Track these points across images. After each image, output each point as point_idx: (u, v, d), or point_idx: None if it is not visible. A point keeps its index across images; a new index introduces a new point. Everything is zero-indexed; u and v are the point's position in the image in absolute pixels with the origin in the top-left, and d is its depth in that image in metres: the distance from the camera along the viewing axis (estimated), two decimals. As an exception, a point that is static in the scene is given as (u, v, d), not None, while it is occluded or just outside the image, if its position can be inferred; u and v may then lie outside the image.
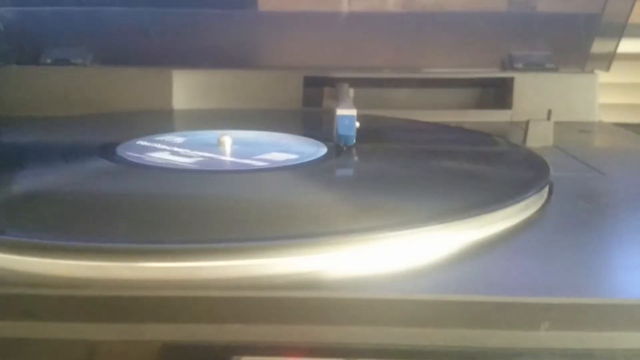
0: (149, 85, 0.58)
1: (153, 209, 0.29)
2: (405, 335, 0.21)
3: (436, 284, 0.22)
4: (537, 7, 0.63)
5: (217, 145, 0.40)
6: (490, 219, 0.27)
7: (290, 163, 0.36)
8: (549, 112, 0.47)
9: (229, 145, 0.39)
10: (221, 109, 0.57)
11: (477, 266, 0.24)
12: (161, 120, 0.54)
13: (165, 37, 0.62)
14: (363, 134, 0.48)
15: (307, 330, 0.21)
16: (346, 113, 0.41)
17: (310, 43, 0.64)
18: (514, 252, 0.26)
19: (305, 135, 0.44)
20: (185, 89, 0.58)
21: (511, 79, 0.59)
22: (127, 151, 0.38)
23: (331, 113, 0.42)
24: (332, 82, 0.58)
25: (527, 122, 0.47)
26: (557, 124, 0.56)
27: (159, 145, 0.40)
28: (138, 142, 0.41)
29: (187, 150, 0.39)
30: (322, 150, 0.40)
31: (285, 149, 0.40)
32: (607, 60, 0.59)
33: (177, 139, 0.42)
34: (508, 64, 0.62)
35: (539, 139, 0.46)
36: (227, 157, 0.38)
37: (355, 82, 0.59)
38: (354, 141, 0.40)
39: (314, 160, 0.37)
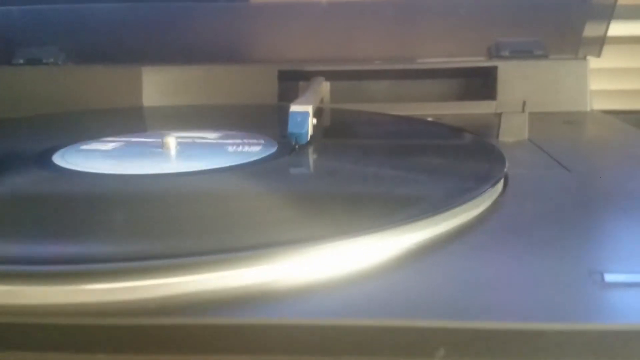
0: (119, 82, 0.57)
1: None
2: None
3: (323, 306, 0.20)
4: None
5: (158, 147, 0.38)
6: (408, 229, 0.25)
7: (227, 164, 0.34)
8: (524, 104, 0.44)
9: (173, 147, 0.38)
10: (188, 106, 0.55)
11: (379, 285, 0.21)
12: (113, 119, 0.52)
13: (138, 32, 0.61)
14: (324, 130, 0.46)
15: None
16: (299, 109, 0.39)
17: (288, 35, 0.61)
18: (427, 268, 0.23)
19: (264, 132, 0.42)
20: (156, 85, 0.57)
21: (495, 68, 0.56)
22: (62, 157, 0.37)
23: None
24: (308, 76, 0.56)
25: (500, 115, 0.44)
26: (543, 114, 0.53)
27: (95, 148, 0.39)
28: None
29: (121, 154, 0.37)
30: (271, 149, 0.38)
31: (229, 149, 0.38)
32: (598, 44, 0.55)
33: (114, 142, 0.40)
34: (495, 51, 0.59)
35: (513, 132, 0.43)
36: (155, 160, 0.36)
37: (333, 75, 0.57)
38: (307, 139, 0.38)
39: (253, 161, 0.35)
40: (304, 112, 0.38)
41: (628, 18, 0.59)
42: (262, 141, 0.40)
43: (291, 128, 0.38)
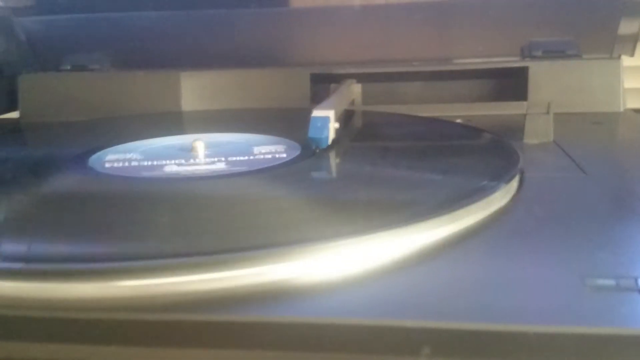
0: (159, 87, 0.59)
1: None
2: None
3: (318, 307, 0.21)
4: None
5: (187, 151, 0.40)
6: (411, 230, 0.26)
7: (248, 168, 0.36)
8: (549, 105, 0.44)
9: (201, 151, 0.40)
10: (222, 110, 0.57)
11: (370, 288, 0.23)
12: (150, 123, 0.54)
13: (177, 39, 0.63)
14: (350, 132, 0.47)
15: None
16: (320, 114, 0.40)
17: (322, 39, 0.63)
18: (423, 271, 0.24)
19: (292, 136, 0.43)
20: (193, 90, 0.59)
21: (526, 69, 0.55)
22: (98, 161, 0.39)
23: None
24: (340, 79, 0.57)
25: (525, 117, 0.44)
26: (574, 115, 0.53)
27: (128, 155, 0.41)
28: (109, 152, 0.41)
29: (150, 157, 0.39)
30: (294, 154, 0.39)
31: (254, 153, 0.39)
32: (632, 43, 0.54)
33: (144, 147, 0.43)
34: (527, 51, 0.58)
35: (538, 134, 0.44)
36: (180, 164, 0.38)
37: (365, 77, 0.58)
38: (328, 143, 0.39)
39: (272, 166, 0.36)
40: (324, 117, 0.39)
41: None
42: (286, 146, 0.41)
43: (311, 133, 0.39)
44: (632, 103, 0.58)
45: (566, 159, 0.39)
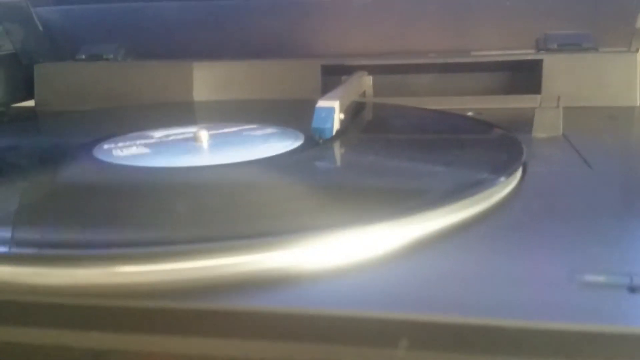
0: (171, 78, 0.59)
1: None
2: (258, 349, 0.20)
3: (300, 297, 0.21)
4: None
5: (191, 141, 0.40)
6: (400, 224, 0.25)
7: (249, 158, 0.36)
8: (558, 99, 0.43)
9: (205, 141, 0.40)
10: (232, 100, 0.57)
11: (367, 278, 0.22)
12: (160, 113, 0.55)
13: (192, 29, 0.63)
14: (357, 124, 0.47)
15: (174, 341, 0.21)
16: (325, 105, 0.40)
17: (334, 30, 0.62)
18: (415, 264, 0.24)
19: (300, 127, 0.43)
20: (205, 81, 0.59)
21: (540, 61, 0.55)
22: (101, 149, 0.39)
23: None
24: (351, 70, 0.57)
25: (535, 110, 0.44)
26: (589, 109, 0.52)
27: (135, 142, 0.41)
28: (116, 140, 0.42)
29: (155, 147, 0.39)
30: (297, 144, 0.39)
31: (258, 143, 0.39)
32: (650, 37, 0.53)
33: (155, 134, 0.43)
34: (542, 44, 0.58)
35: (547, 128, 0.43)
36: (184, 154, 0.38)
37: (377, 69, 0.58)
38: (332, 134, 0.39)
39: (273, 156, 0.36)
40: (328, 108, 0.39)
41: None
42: (291, 136, 0.41)
43: (315, 123, 0.39)
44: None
45: (573, 154, 0.38)
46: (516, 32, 0.60)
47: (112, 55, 0.63)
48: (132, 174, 0.34)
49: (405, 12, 0.60)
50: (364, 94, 0.56)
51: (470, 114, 0.52)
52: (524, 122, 0.46)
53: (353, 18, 0.61)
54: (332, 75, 0.59)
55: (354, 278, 0.22)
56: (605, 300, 0.20)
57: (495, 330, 0.19)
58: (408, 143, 0.41)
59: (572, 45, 0.56)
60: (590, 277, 0.22)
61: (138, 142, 0.41)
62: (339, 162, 0.38)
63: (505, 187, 0.31)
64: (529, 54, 0.57)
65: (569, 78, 0.54)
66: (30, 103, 0.63)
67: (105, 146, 0.40)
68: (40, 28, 0.64)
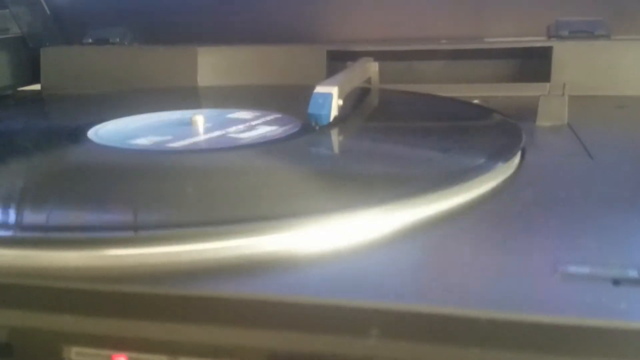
0: (176, 62, 0.59)
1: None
2: (231, 336, 0.20)
3: (278, 283, 0.21)
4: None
5: (187, 125, 0.40)
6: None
7: (244, 143, 0.35)
8: (564, 86, 0.42)
9: (201, 125, 0.39)
10: (235, 86, 0.57)
11: (345, 265, 0.22)
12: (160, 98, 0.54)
13: (198, 14, 0.63)
14: (358, 110, 0.46)
15: (139, 326, 0.21)
16: (322, 91, 0.39)
17: (340, 15, 0.62)
18: (398, 252, 0.23)
19: (295, 113, 0.42)
20: (209, 66, 0.59)
21: (550, 49, 0.53)
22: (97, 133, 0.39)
23: None
24: (357, 56, 0.56)
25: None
26: (598, 98, 0.51)
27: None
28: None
29: (151, 131, 0.39)
30: (293, 130, 0.38)
31: (254, 128, 0.39)
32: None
33: (154, 118, 0.43)
34: (553, 31, 0.56)
35: (551, 116, 0.42)
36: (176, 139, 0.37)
37: (383, 55, 0.57)
38: (328, 120, 0.38)
39: (267, 141, 0.36)
40: (326, 94, 0.39)
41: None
42: (289, 122, 0.40)
43: (311, 109, 0.38)
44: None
45: (576, 143, 0.37)
46: (529, 19, 0.59)
47: (118, 40, 0.63)
48: (127, 157, 0.34)
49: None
50: (369, 81, 0.55)
51: (476, 101, 0.51)
52: (532, 110, 0.45)
53: (362, 2, 0.60)
54: (338, 61, 0.58)
55: (334, 265, 0.22)
56: (588, 293, 0.19)
57: (469, 322, 0.18)
58: (406, 129, 0.40)
59: (583, 32, 0.55)
60: (574, 269, 0.21)
61: (137, 125, 0.41)
62: (332, 149, 0.37)
63: (499, 175, 0.30)
64: (538, 41, 0.55)
65: (579, 66, 0.53)
66: (37, 86, 0.63)
67: (103, 129, 0.39)
68: (48, 11, 0.64)
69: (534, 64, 0.57)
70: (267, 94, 0.54)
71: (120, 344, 0.21)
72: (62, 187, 0.30)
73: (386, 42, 0.59)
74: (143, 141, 0.36)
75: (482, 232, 0.24)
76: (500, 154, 0.31)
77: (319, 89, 0.39)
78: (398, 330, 0.19)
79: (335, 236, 0.23)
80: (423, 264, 0.22)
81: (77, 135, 0.38)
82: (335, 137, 0.38)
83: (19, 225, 0.24)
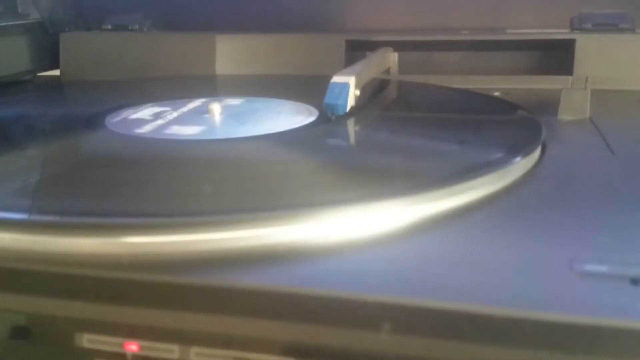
0: (195, 50, 0.59)
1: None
2: (243, 326, 0.20)
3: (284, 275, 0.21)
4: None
5: (204, 114, 0.40)
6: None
7: (260, 133, 0.35)
8: (586, 80, 0.42)
9: (217, 114, 0.39)
10: (252, 75, 0.56)
11: (360, 258, 0.22)
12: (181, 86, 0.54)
13: (217, 1, 0.63)
14: (376, 101, 0.46)
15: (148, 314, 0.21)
16: (339, 81, 0.39)
17: (360, 4, 0.61)
18: (412, 246, 0.23)
19: (313, 103, 0.42)
20: (227, 54, 0.59)
21: (572, 41, 0.52)
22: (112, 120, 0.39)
23: None
24: (376, 46, 0.56)
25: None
26: (622, 92, 0.50)
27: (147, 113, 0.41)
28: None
29: (166, 119, 0.39)
30: (308, 120, 0.38)
31: (271, 118, 0.38)
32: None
33: (170, 107, 0.42)
34: (577, 24, 0.55)
35: (573, 110, 0.41)
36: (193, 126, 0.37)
37: (402, 46, 0.56)
38: (345, 110, 0.38)
39: (284, 131, 0.35)
40: (343, 84, 0.38)
41: None
42: (306, 112, 0.40)
43: (327, 99, 0.38)
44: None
45: (597, 138, 0.36)
46: (552, 11, 0.58)
47: (137, 26, 0.63)
48: (143, 145, 0.34)
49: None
50: (387, 71, 0.55)
51: (497, 94, 0.50)
52: (554, 104, 0.45)
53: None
54: (358, 51, 0.57)
55: (347, 258, 0.22)
56: (604, 292, 0.19)
57: (482, 319, 0.18)
58: (423, 121, 0.40)
59: (607, 25, 0.54)
60: (592, 267, 0.20)
61: (153, 113, 0.41)
62: (347, 140, 0.37)
63: (518, 170, 0.30)
64: (561, 33, 0.54)
65: (602, 59, 0.52)
66: (57, 72, 0.63)
67: (119, 117, 0.39)
68: (68, -3, 0.64)
69: (556, 57, 0.56)
70: (284, 82, 0.54)
71: (132, 332, 0.21)
72: (75, 174, 0.30)
73: (406, 32, 0.58)
74: (162, 129, 0.36)
75: (498, 228, 0.24)
76: (520, 149, 0.31)
77: (336, 79, 0.39)
78: (409, 325, 0.19)
79: (350, 228, 0.23)
80: (436, 259, 0.22)
81: (93, 122, 0.38)
82: (351, 127, 0.38)
83: (31, 210, 0.24)
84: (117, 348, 0.21)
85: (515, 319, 0.18)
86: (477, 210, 0.26)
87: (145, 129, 0.36)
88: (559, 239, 0.23)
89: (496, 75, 0.55)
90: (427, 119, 0.40)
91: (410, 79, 0.54)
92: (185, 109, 0.42)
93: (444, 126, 0.38)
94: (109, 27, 0.64)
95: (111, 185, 0.28)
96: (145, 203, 0.26)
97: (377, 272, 0.20)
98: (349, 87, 0.38)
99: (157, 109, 0.42)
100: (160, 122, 0.38)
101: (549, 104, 0.43)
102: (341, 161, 0.31)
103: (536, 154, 0.32)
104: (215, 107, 0.39)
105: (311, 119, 0.38)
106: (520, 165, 0.30)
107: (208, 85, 0.55)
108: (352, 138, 0.37)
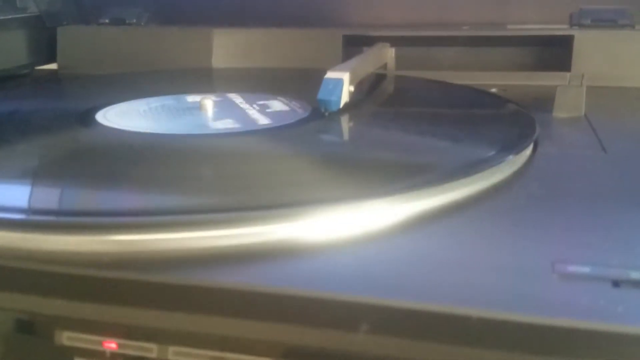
0: (191, 44, 0.59)
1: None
2: (224, 326, 0.20)
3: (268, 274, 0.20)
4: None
5: (196, 109, 0.39)
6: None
7: (251, 128, 0.35)
8: (582, 77, 0.41)
9: (210, 109, 0.39)
10: (248, 68, 0.56)
11: (340, 258, 0.21)
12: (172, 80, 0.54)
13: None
14: (371, 96, 0.45)
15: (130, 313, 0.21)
16: (333, 76, 0.39)
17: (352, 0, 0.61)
18: (396, 245, 0.22)
19: (307, 98, 0.42)
20: (224, 48, 0.58)
21: (571, 37, 0.52)
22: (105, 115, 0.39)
23: None
24: (373, 41, 0.55)
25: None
26: (620, 89, 0.49)
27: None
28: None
29: (159, 114, 0.39)
30: (301, 115, 0.38)
31: (264, 114, 0.38)
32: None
33: (163, 101, 0.42)
34: (576, 19, 0.55)
35: (568, 107, 0.41)
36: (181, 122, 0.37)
37: (400, 41, 0.56)
38: (338, 107, 0.38)
39: (274, 127, 0.35)
40: (337, 80, 0.38)
41: None
42: (299, 107, 0.40)
43: (321, 95, 0.38)
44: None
45: (591, 136, 0.36)
46: (552, 6, 0.57)
47: (134, 20, 0.63)
48: (132, 140, 0.34)
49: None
50: (384, 67, 0.55)
51: (493, 90, 0.50)
52: (550, 100, 0.44)
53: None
54: (355, 47, 0.57)
55: (326, 258, 0.21)
56: (585, 294, 0.19)
57: (459, 320, 0.18)
58: (416, 117, 0.40)
59: (606, 21, 0.53)
60: (574, 268, 0.20)
61: (146, 107, 0.40)
62: (340, 136, 0.37)
63: (508, 168, 0.29)
64: (559, 29, 0.54)
65: (601, 56, 0.51)
66: (54, 66, 0.63)
67: (111, 111, 0.39)
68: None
69: (555, 53, 0.55)
70: (279, 77, 0.53)
71: (111, 331, 0.21)
72: (61, 171, 0.30)
73: (404, 27, 0.58)
74: (154, 124, 0.36)
75: (482, 228, 0.24)
76: (511, 146, 0.31)
77: (330, 75, 0.39)
78: (389, 326, 0.18)
79: (330, 228, 0.23)
80: (418, 260, 0.21)
81: (85, 117, 0.38)
82: (344, 123, 0.38)
83: (14, 209, 0.24)
84: (96, 346, 0.21)
85: (492, 320, 0.18)
86: (464, 209, 0.26)
87: (135, 124, 0.36)
88: (544, 239, 0.23)
89: (494, 72, 0.54)
90: (420, 116, 0.40)
91: (408, 75, 0.54)
92: (177, 103, 0.42)
93: (436, 123, 0.38)
94: (107, 21, 0.64)
95: (94, 182, 0.28)
96: (126, 201, 0.25)
97: (356, 272, 0.20)
98: (342, 83, 0.38)
99: (151, 103, 0.41)
100: (152, 115, 0.38)
101: (546, 101, 0.43)
102: (332, 158, 0.31)
103: (527, 151, 0.32)
104: (208, 102, 0.39)
105: (305, 114, 0.38)
106: (511, 163, 0.30)
107: (204, 79, 0.55)
108: (343, 135, 0.37)
